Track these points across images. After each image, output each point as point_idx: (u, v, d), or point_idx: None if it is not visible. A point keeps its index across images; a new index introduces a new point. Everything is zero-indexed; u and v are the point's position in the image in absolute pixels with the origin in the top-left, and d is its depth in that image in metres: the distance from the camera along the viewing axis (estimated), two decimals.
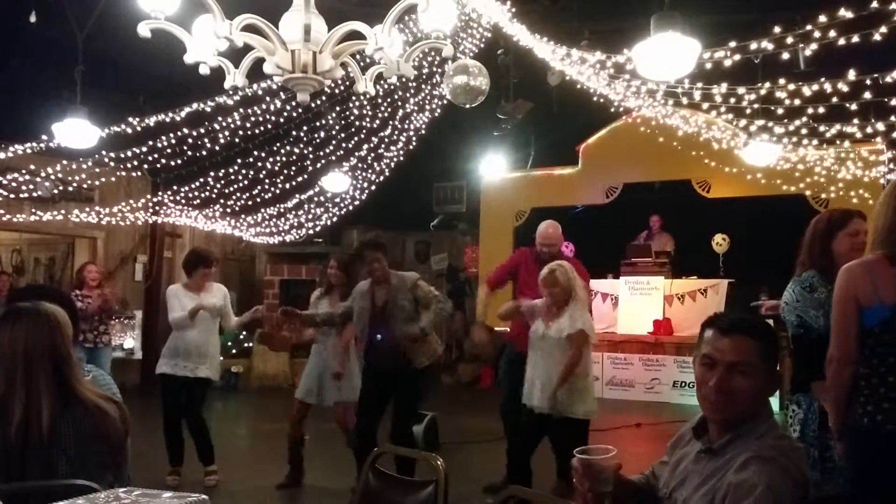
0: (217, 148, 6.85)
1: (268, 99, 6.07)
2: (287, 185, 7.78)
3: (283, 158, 7.28)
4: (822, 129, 5.64)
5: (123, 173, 7.66)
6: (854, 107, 5.01)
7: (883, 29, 4.00)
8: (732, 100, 5.25)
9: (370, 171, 7.84)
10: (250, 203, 7.98)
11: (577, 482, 1.45)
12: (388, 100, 6.52)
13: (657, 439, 5.87)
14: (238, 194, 7.79)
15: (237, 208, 8.09)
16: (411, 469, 3.28)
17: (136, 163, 6.96)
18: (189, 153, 6.83)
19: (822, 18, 4.22)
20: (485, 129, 8.25)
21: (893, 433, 1.89)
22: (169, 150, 6.70)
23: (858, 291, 1.98)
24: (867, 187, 6.98)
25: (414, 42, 3.11)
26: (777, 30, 4.51)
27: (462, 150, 9.47)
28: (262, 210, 8.22)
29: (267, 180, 7.63)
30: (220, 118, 6.31)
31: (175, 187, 7.86)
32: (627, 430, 6.30)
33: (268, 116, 6.35)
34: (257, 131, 6.64)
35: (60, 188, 7.77)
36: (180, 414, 4.39)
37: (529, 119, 7.92)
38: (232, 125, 6.41)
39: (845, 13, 4.08)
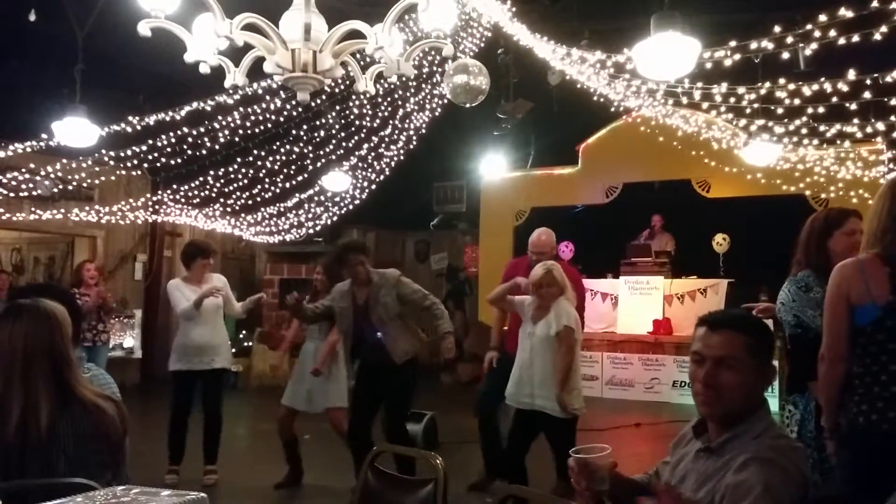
0: (217, 147, 6.84)
1: (268, 98, 6.07)
2: (287, 185, 7.78)
3: (283, 157, 7.28)
4: (822, 128, 5.64)
5: (123, 172, 7.67)
6: (854, 107, 5.01)
7: (883, 28, 3.99)
8: (732, 99, 5.25)
9: (370, 170, 7.84)
10: (250, 202, 7.98)
11: (574, 482, 1.46)
12: (389, 99, 6.52)
13: (657, 439, 5.88)
14: (238, 193, 7.78)
15: (237, 207, 8.08)
16: (412, 468, 3.28)
17: (135, 162, 6.96)
18: (189, 152, 6.83)
19: (823, 18, 4.22)
20: (485, 128, 8.25)
21: (888, 432, 1.89)
22: (169, 149, 6.70)
23: (851, 290, 1.98)
24: (867, 187, 6.98)
25: (414, 41, 3.10)
26: (777, 29, 4.51)
27: (462, 150, 9.46)
28: (262, 209, 8.22)
29: (267, 179, 7.63)
30: (220, 117, 6.31)
31: (175, 186, 7.86)
32: (627, 430, 6.30)
33: (268, 115, 6.34)
34: (257, 130, 6.64)
35: (60, 187, 7.77)
36: (189, 412, 4.39)
37: (529, 118, 7.93)
38: (232, 124, 6.40)
39: (845, 13, 4.08)
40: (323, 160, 7.46)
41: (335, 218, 8.73)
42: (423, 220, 11.07)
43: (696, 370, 1.47)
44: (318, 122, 6.92)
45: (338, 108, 6.69)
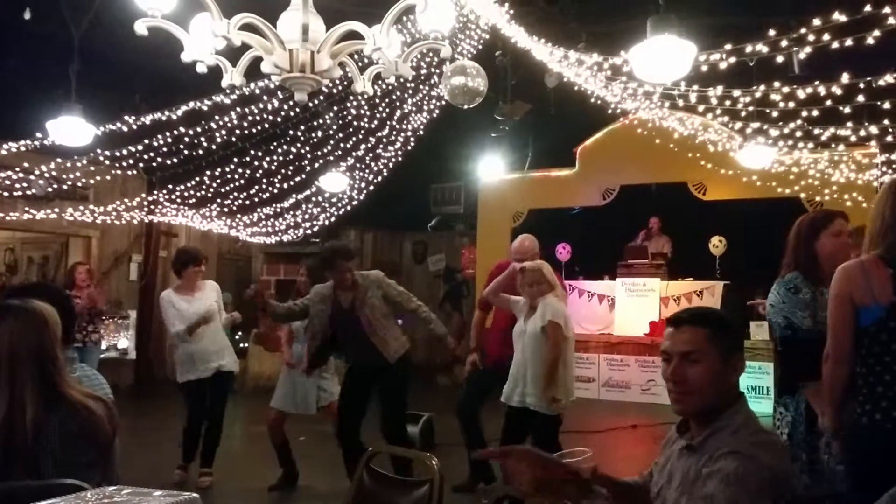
0: (214, 147, 6.83)
1: (265, 98, 6.06)
2: (284, 185, 7.76)
3: (281, 158, 7.27)
4: (816, 132, 5.67)
5: (118, 172, 7.64)
6: (848, 110, 5.04)
7: (876, 32, 4.02)
8: (728, 102, 5.27)
9: (368, 171, 7.84)
10: (247, 203, 7.96)
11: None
12: (386, 100, 6.52)
13: (653, 441, 5.88)
14: (235, 194, 7.76)
15: (234, 208, 8.06)
16: (409, 469, 3.28)
17: (131, 161, 6.94)
18: (185, 152, 6.82)
19: (817, 22, 4.24)
20: (482, 130, 8.26)
21: (892, 431, 1.91)
22: (165, 149, 6.68)
23: (854, 291, 2.00)
24: (861, 190, 7.02)
25: (412, 43, 3.11)
26: (772, 33, 4.53)
27: (460, 151, 9.47)
28: (259, 210, 8.19)
29: (264, 180, 7.62)
30: (217, 117, 6.30)
31: (171, 186, 7.83)
32: (623, 432, 6.31)
33: (265, 116, 6.33)
34: (254, 130, 6.63)
35: (55, 186, 7.73)
36: (205, 416, 4.39)
37: (527, 120, 7.94)
38: (229, 124, 6.39)
39: (839, 17, 4.10)
40: (320, 161, 7.45)
41: (332, 219, 8.71)
42: (421, 222, 11.07)
43: (665, 368, 1.51)
44: (315, 123, 6.91)
45: (335, 108, 6.69)
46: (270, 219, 8.42)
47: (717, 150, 7.05)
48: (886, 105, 4.89)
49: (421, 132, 7.13)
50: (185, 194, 7.80)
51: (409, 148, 7.39)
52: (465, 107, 5.07)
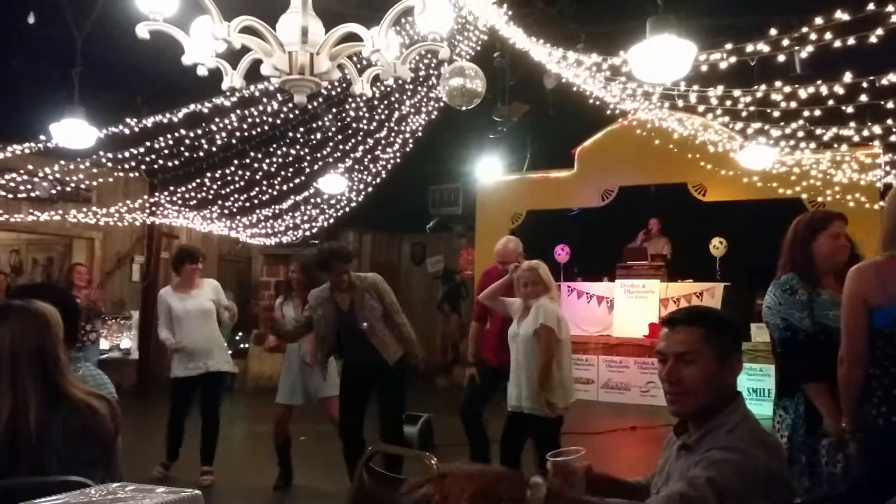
0: (214, 149, 6.85)
1: (265, 100, 6.08)
2: (284, 187, 7.78)
3: (280, 160, 7.29)
4: (818, 132, 5.66)
5: (121, 174, 7.67)
6: (850, 110, 5.02)
7: (879, 31, 4.01)
8: (728, 103, 5.27)
9: (366, 172, 7.85)
10: (247, 204, 7.99)
11: (549, 484, 1.47)
12: (385, 102, 6.53)
13: (652, 442, 5.88)
14: (235, 195, 7.79)
15: (234, 209, 8.09)
16: (399, 467, 3.28)
17: (133, 163, 6.96)
18: (186, 154, 6.84)
19: (819, 21, 4.23)
20: (481, 131, 8.27)
21: None
22: (166, 151, 6.71)
23: (868, 293, 1.99)
24: (863, 191, 7.00)
25: (411, 44, 3.12)
26: (773, 32, 4.53)
27: (458, 153, 9.48)
28: (259, 211, 8.22)
29: (264, 181, 7.64)
30: (217, 119, 6.32)
31: (172, 188, 7.86)
32: (623, 433, 6.31)
33: (265, 118, 6.35)
34: (254, 132, 6.65)
35: (58, 188, 7.77)
36: (187, 415, 4.43)
37: (525, 122, 7.95)
38: (229, 126, 6.41)
39: (841, 16, 4.10)
40: (319, 163, 7.47)
41: (331, 220, 8.73)
42: (419, 223, 11.08)
43: (661, 369, 1.50)
44: (314, 125, 6.93)
45: (334, 110, 6.70)
46: (270, 220, 8.45)
47: (717, 150, 7.04)
48: (890, 105, 4.86)
49: (419, 134, 7.15)
50: (186, 196, 7.83)
51: (408, 149, 7.40)
52: (464, 108, 5.08)
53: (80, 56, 5.33)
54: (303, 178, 7.68)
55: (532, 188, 9.36)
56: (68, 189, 7.84)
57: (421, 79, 6.07)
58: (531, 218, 9.28)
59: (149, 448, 4.45)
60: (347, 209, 8.53)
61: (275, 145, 7.09)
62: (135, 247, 9.21)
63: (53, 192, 7.78)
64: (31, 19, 5.10)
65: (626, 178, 8.75)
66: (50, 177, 7.48)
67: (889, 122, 5.23)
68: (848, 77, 4.60)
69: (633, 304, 8.32)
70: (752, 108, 5.42)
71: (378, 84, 5.16)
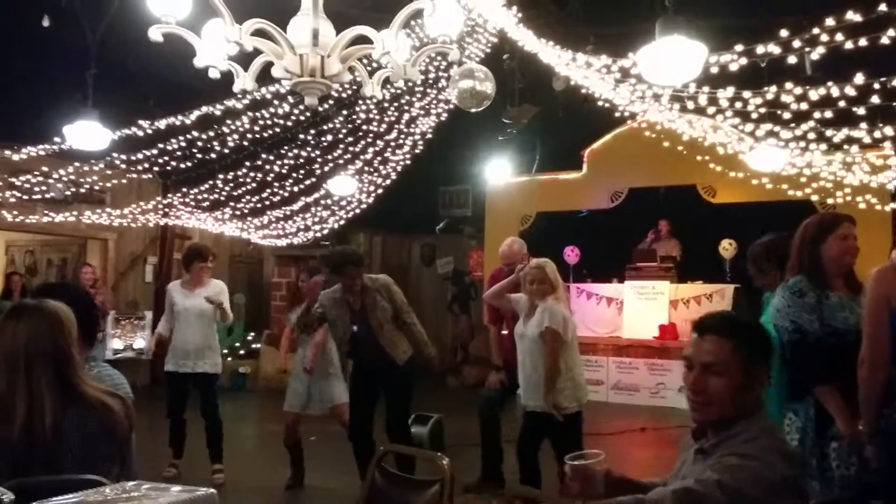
0: (226, 151, 6.91)
1: (276, 102, 6.13)
2: (294, 188, 7.83)
3: (291, 162, 7.34)
4: (829, 133, 5.61)
5: (134, 175, 7.74)
6: (862, 111, 4.98)
7: (891, 32, 3.96)
8: (738, 104, 5.24)
9: (376, 174, 7.88)
10: (258, 205, 8.04)
11: (568, 487, 1.48)
12: (395, 104, 6.56)
13: (662, 444, 5.86)
14: (246, 197, 7.85)
15: (245, 211, 8.14)
16: (412, 467, 3.30)
17: (146, 165, 7.03)
18: (198, 156, 6.90)
19: (830, 22, 4.21)
20: (490, 133, 8.28)
21: None
22: (179, 153, 6.78)
23: (890, 294, 1.98)
24: (875, 193, 6.94)
25: (420, 46, 3.14)
26: (784, 33, 4.50)
27: (467, 155, 9.49)
28: (270, 213, 8.27)
29: (275, 183, 7.69)
30: (229, 121, 6.38)
31: (185, 189, 7.93)
32: (632, 435, 6.29)
33: (276, 120, 6.40)
34: (265, 135, 6.70)
35: (73, 190, 7.86)
36: (183, 410, 4.48)
37: (535, 124, 7.94)
38: (241, 128, 6.47)
39: (853, 16, 4.07)
40: (330, 164, 7.51)
41: (342, 222, 8.77)
42: (429, 225, 11.09)
43: (687, 375, 1.48)
44: (325, 127, 6.97)
45: (345, 112, 6.74)
46: (281, 221, 8.50)
47: (726, 152, 6.99)
48: None
49: (429, 135, 7.17)
50: (199, 197, 7.90)
51: (418, 151, 7.42)
52: (473, 110, 5.09)
53: (94, 59, 5.40)
54: (313, 179, 7.73)
55: (541, 190, 9.35)
56: (82, 190, 7.94)
57: (431, 81, 6.09)
58: (540, 219, 9.27)
59: (162, 447, 4.50)
60: (358, 211, 8.56)
61: (286, 147, 7.13)
62: (148, 247, 9.30)
63: (68, 193, 7.87)
64: (45, 23, 5.17)
65: (635, 179, 8.72)
66: (64, 178, 7.57)
67: None
68: (859, 78, 4.56)
69: (643, 306, 8.28)
70: (762, 110, 5.39)
71: (388, 86, 5.19)
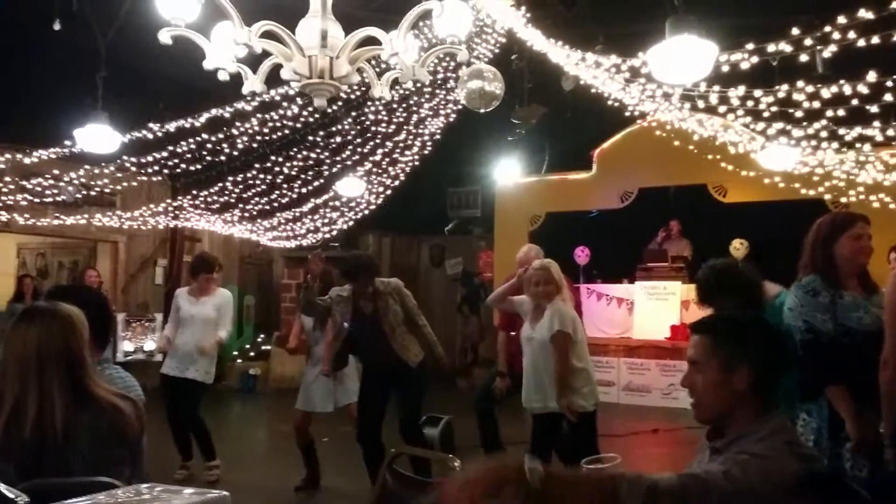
0: (235, 153, 6.94)
1: (285, 104, 6.15)
2: (303, 190, 7.86)
3: (300, 163, 7.36)
4: (841, 132, 5.56)
5: (144, 178, 7.80)
6: (874, 109, 4.93)
7: None
8: (749, 103, 5.20)
9: (385, 175, 7.89)
10: (267, 207, 8.07)
11: None
12: (403, 105, 6.56)
13: (674, 445, 5.82)
14: (256, 199, 7.88)
15: (255, 212, 8.18)
16: (428, 469, 3.30)
17: (156, 168, 7.08)
18: (208, 158, 6.94)
19: (842, 20, 4.16)
20: (499, 133, 8.26)
21: None
22: (188, 156, 6.81)
23: None
24: (888, 191, 6.86)
25: (429, 47, 3.13)
26: (795, 32, 4.46)
27: (476, 155, 9.48)
28: (279, 214, 8.30)
29: (284, 185, 7.72)
30: (238, 123, 6.41)
31: (194, 192, 7.97)
32: (644, 436, 6.25)
33: (285, 122, 6.42)
34: (275, 136, 6.73)
35: (83, 193, 7.93)
36: (174, 414, 4.54)
37: (544, 124, 7.92)
38: (250, 130, 6.49)
39: (865, 14, 4.03)
40: (339, 166, 7.52)
41: (351, 223, 8.79)
42: (438, 226, 11.09)
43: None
44: (334, 128, 6.99)
45: (353, 113, 6.75)
46: (290, 223, 8.53)
47: (737, 151, 6.94)
48: None
49: (438, 136, 7.16)
50: (208, 199, 7.94)
51: (426, 152, 7.42)
52: (482, 111, 5.08)
53: (104, 62, 5.44)
54: (322, 181, 7.75)
55: (551, 190, 9.32)
56: (93, 193, 8.00)
57: (439, 81, 6.08)
58: (550, 220, 9.24)
59: (173, 449, 4.53)
60: (366, 212, 8.58)
61: (295, 149, 7.16)
62: (158, 250, 9.36)
63: (79, 196, 7.94)
64: (56, 26, 5.21)
65: (645, 179, 8.68)
66: (75, 181, 7.63)
67: None
68: (872, 76, 4.51)
69: (654, 306, 8.23)
70: (773, 109, 5.34)
71: (397, 87, 5.19)
